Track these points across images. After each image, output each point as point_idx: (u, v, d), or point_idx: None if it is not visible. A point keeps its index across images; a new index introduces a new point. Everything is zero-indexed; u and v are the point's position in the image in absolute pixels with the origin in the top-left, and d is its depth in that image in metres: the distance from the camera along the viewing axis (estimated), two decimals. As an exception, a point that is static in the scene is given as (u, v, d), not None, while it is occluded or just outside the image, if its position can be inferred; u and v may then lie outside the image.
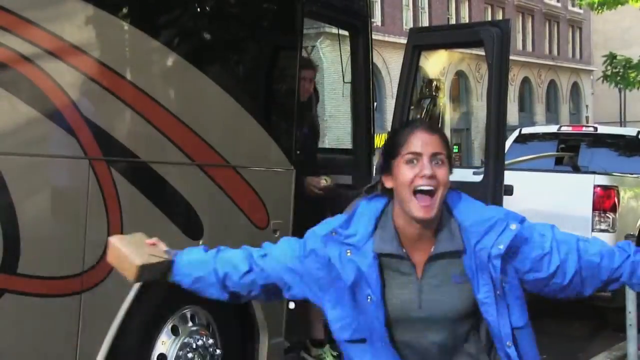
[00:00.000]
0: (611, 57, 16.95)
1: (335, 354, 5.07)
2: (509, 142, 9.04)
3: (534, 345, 2.29)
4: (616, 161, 8.94)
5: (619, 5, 16.97)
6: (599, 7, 17.13)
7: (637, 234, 7.42)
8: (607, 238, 7.28)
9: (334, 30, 5.78)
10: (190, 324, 4.14)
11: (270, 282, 2.37)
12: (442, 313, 2.20)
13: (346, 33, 5.53)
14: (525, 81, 41.06)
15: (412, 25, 30.22)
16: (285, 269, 2.34)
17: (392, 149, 2.21)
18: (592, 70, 44.59)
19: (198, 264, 2.41)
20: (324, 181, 5.01)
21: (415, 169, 2.14)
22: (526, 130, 10.21)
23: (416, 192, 2.14)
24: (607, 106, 42.98)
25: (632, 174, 8.22)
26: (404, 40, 5.66)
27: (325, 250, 2.25)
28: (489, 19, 34.78)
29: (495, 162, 4.79)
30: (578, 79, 45.76)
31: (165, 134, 3.88)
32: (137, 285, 3.71)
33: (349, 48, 5.49)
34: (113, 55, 3.70)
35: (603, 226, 7.25)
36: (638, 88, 17.55)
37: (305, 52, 5.26)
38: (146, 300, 3.82)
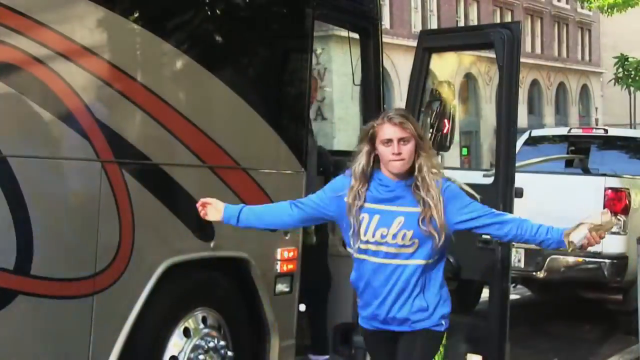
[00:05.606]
0: (623, 59, 16.85)
1: None
2: (518, 145, 9.01)
3: None
4: (627, 163, 8.90)
5: (630, 8, 16.87)
6: (609, 10, 17.02)
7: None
8: (618, 241, 7.26)
9: (344, 32, 5.77)
10: (201, 325, 4.14)
11: None
12: None
13: (356, 35, 5.53)
14: (534, 83, 40.93)
15: (420, 28, 30.15)
16: None
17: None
18: (601, 73, 44.41)
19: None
20: None
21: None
22: (536, 132, 10.17)
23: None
24: (616, 108, 42.77)
25: (643, 176, 8.17)
26: (412, 43, 5.66)
27: None
28: (498, 21, 34.68)
29: (506, 165, 4.77)
30: (587, 81, 45.57)
31: (176, 136, 3.89)
32: (149, 288, 3.73)
33: (358, 50, 5.49)
34: (125, 58, 3.71)
35: (614, 229, 7.22)
36: (649, 90, 17.44)
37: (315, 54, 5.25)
38: (157, 303, 3.82)
